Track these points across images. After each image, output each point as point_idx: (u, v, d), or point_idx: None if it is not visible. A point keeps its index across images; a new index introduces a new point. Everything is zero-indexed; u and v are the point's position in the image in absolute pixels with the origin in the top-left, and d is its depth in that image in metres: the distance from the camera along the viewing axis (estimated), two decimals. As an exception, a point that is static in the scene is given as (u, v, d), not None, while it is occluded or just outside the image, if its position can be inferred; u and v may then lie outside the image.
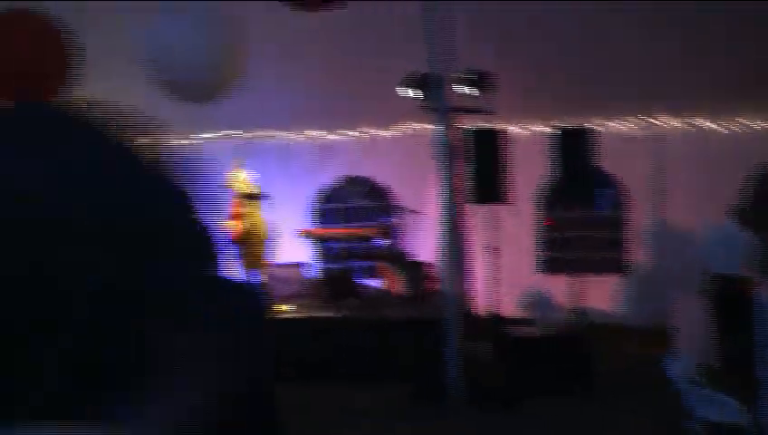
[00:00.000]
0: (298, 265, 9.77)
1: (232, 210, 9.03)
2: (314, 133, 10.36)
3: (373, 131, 10.35)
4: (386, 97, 9.27)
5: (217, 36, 5.31)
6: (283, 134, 10.37)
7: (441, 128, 7.12)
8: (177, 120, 8.36)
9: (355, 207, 10.51)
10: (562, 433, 6.16)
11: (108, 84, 7.56)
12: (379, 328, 7.76)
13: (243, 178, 9.17)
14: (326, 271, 9.71)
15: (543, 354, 7.07)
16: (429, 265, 9.42)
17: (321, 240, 9.86)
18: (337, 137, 10.40)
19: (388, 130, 10.33)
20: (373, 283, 9.35)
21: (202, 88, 5.32)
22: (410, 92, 8.01)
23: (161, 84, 5.26)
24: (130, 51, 5.83)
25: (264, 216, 9.13)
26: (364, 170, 10.47)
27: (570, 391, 6.73)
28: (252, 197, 8.99)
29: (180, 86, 5.24)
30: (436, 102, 7.18)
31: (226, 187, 9.07)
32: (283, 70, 8.43)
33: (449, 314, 6.94)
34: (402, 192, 10.22)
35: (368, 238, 9.66)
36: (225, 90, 5.44)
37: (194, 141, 10.22)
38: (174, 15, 5.34)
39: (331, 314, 8.18)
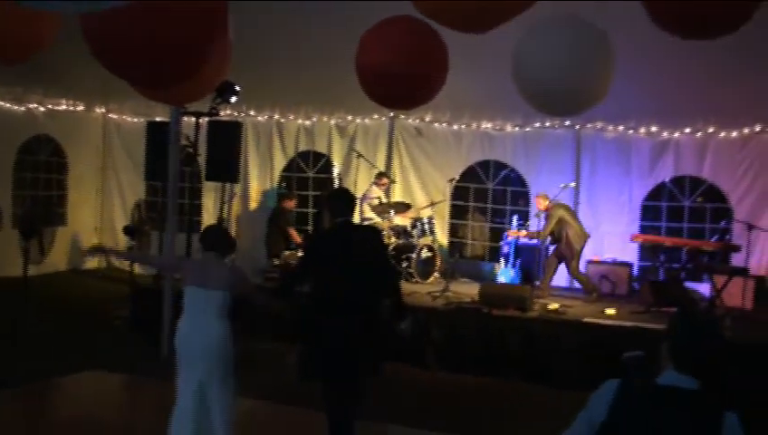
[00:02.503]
0: (628, 265, 9.66)
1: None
2: (653, 129, 10.08)
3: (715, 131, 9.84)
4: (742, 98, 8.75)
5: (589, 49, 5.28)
6: (621, 129, 10.22)
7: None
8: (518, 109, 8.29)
9: (690, 210, 10.05)
10: None
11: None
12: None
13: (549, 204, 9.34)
14: (655, 277, 9.50)
15: None
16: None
17: (653, 246, 9.58)
18: (676, 135, 10.03)
19: (734, 131, 9.76)
20: (705, 292, 8.98)
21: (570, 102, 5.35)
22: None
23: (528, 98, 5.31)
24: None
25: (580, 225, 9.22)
26: (702, 172, 9.98)
27: None
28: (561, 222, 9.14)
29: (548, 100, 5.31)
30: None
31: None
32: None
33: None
34: (742, 199, 9.66)
35: (702, 251, 9.20)
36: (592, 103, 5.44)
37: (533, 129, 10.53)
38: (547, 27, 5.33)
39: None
